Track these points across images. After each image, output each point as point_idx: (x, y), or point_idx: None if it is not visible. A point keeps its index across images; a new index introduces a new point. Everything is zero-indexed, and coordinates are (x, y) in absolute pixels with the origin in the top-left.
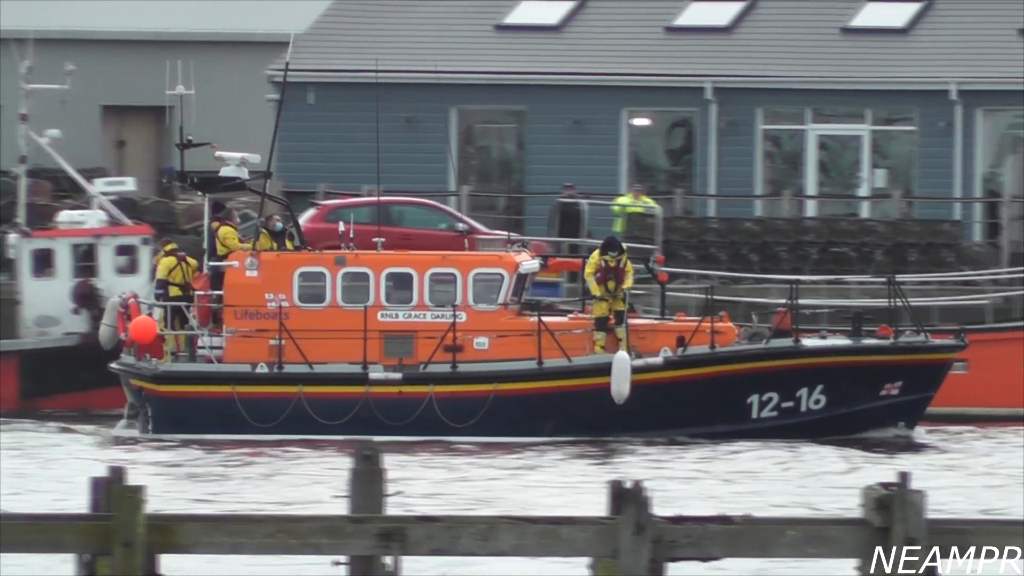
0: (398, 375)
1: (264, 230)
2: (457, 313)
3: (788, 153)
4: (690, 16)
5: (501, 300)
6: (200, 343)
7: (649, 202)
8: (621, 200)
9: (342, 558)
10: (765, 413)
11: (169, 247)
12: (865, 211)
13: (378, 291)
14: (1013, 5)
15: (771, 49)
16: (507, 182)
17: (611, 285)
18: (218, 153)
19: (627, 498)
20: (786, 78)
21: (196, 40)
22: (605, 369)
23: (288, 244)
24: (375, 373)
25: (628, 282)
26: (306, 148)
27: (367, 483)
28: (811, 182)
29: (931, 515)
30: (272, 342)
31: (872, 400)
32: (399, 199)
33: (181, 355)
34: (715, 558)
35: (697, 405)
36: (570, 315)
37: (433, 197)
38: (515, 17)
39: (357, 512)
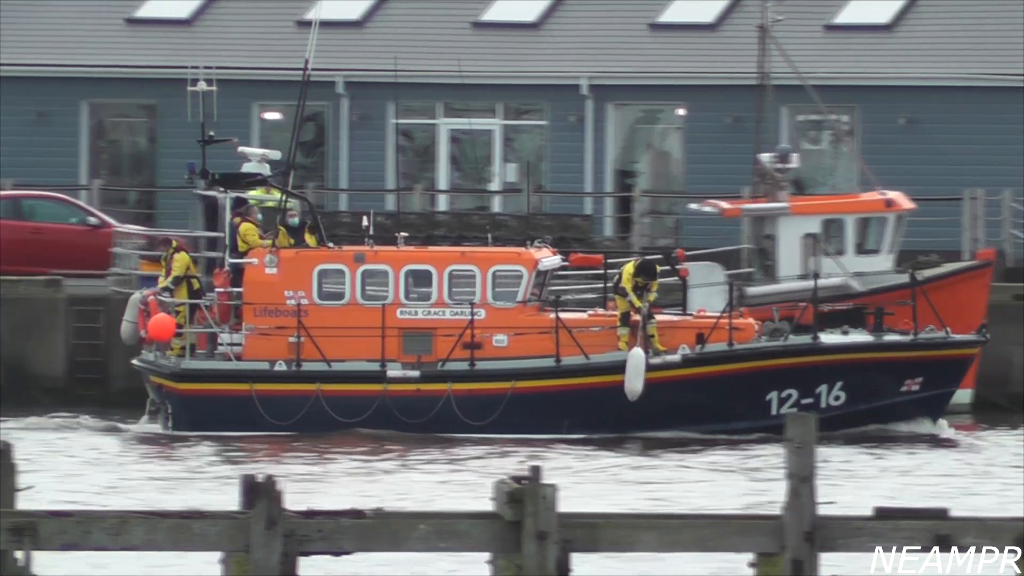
0: (416, 373)
1: (281, 227)
2: (476, 310)
3: (420, 147)
4: (321, 10)
5: (520, 297)
6: (220, 340)
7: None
8: (253, 193)
9: None
10: (785, 409)
11: (175, 244)
12: (497, 205)
13: (397, 288)
14: (642, 0)
15: (403, 43)
16: (138, 176)
17: (633, 298)
18: (240, 149)
19: (259, 492)
20: (417, 72)
21: None
22: (623, 367)
23: (311, 241)
24: (393, 371)
25: (651, 296)
26: None
27: None
28: (443, 176)
29: (564, 509)
30: (291, 339)
31: (893, 396)
32: (30, 193)
33: (200, 353)
34: (347, 552)
35: (716, 402)
36: (590, 312)
37: (64, 191)
38: (146, 11)
39: None
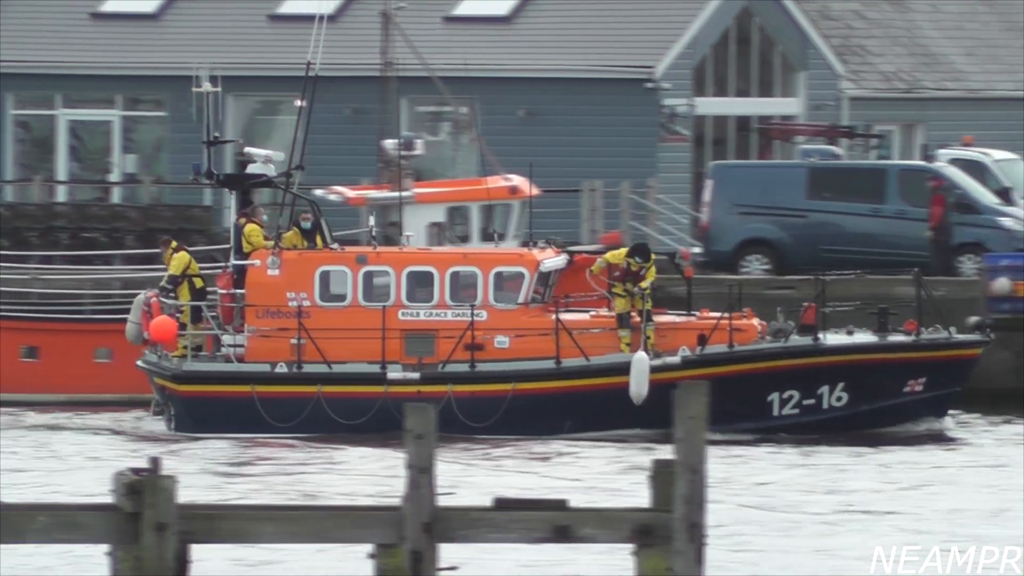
0: (416, 375)
1: (295, 227)
2: (477, 312)
3: (38, 138)
4: None
5: (522, 299)
6: (222, 342)
7: None
8: None
9: None
10: (786, 411)
11: (174, 244)
12: (116, 196)
13: (399, 290)
14: None
15: (20, 34)
16: None
17: (629, 286)
18: (246, 149)
19: None
20: (35, 63)
21: None
22: (623, 368)
23: (319, 242)
24: (393, 373)
25: (644, 283)
26: None
27: None
28: (62, 167)
29: (183, 501)
30: (293, 341)
31: (896, 396)
32: None
33: (202, 354)
34: None
35: (717, 404)
36: (592, 313)
37: None
38: None
39: None
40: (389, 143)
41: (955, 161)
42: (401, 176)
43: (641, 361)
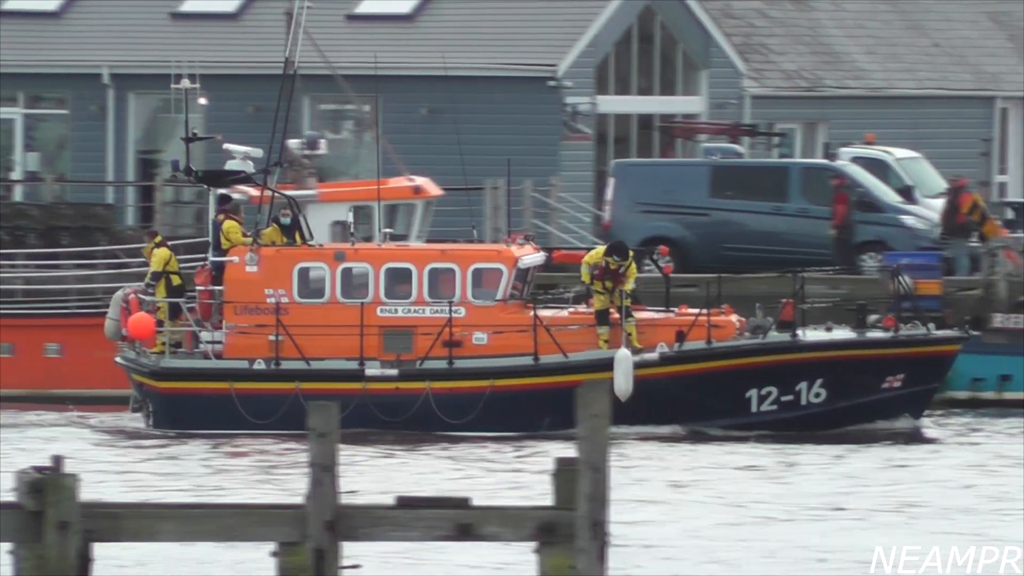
0: (394, 371)
1: (274, 224)
2: (456, 308)
3: None
4: None
5: (500, 295)
6: (202, 338)
7: None
8: None
9: None
10: (765, 407)
11: (158, 239)
12: (18, 194)
13: (377, 286)
14: None
15: None
16: None
17: (608, 284)
18: (225, 146)
19: None
20: None
21: None
22: (601, 365)
23: (298, 239)
24: (371, 369)
25: (628, 285)
26: None
27: None
28: None
29: (86, 499)
30: (271, 338)
31: (874, 393)
32: None
33: (181, 351)
34: None
35: (695, 400)
36: (570, 310)
37: None
38: None
39: None
40: (293, 142)
41: (857, 159)
42: (304, 175)
43: (625, 358)
